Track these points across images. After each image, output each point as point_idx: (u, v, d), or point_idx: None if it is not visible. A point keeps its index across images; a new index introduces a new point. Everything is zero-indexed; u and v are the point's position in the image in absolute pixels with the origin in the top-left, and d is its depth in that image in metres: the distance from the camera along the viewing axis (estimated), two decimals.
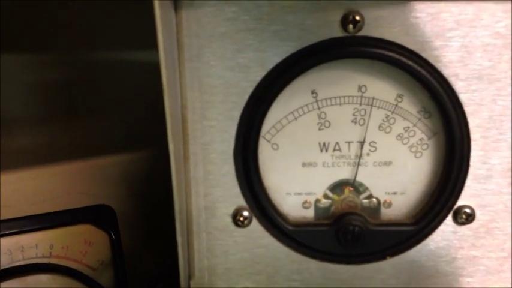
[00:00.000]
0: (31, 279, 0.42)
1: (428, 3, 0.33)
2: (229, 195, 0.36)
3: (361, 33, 0.33)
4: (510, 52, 0.33)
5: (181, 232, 0.35)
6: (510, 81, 0.34)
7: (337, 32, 0.33)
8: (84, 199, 0.47)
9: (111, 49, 0.56)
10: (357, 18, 0.33)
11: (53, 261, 0.43)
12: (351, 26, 0.33)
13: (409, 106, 0.35)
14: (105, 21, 0.54)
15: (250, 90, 0.34)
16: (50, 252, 0.43)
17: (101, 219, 0.44)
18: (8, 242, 0.41)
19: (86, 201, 0.45)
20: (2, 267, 0.41)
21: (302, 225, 0.37)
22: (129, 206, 0.51)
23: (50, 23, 0.51)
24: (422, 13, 0.33)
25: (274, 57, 0.34)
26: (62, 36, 0.52)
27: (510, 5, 0.32)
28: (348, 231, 0.36)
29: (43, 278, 0.43)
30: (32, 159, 0.51)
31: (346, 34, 0.33)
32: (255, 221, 0.37)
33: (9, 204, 0.47)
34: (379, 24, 0.33)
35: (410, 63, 0.33)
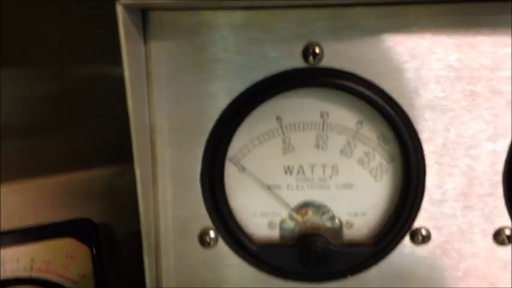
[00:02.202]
0: None
1: (385, 37, 0.34)
2: (196, 216, 0.38)
3: (322, 64, 0.35)
4: (462, 84, 0.35)
5: (148, 253, 0.36)
6: (462, 111, 0.36)
7: (299, 63, 0.35)
8: (68, 213, 0.47)
9: (97, 63, 0.56)
10: (317, 50, 0.34)
11: (34, 274, 0.43)
12: (311, 57, 0.35)
13: (369, 132, 0.37)
14: (90, 37, 0.55)
15: (216, 116, 0.36)
16: (32, 266, 0.43)
17: (82, 233, 0.45)
18: None
19: (69, 215, 0.46)
20: None
21: (267, 246, 0.39)
22: (113, 219, 0.52)
23: (35, 39, 0.52)
24: (379, 46, 0.35)
25: (239, 85, 0.36)
26: (47, 51, 0.53)
27: (462, 39, 0.34)
28: (310, 252, 0.38)
29: None
30: (16, 173, 0.51)
31: (307, 65, 0.35)
32: (221, 242, 0.39)
33: None
34: (338, 56, 0.35)
35: (367, 93, 0.35)
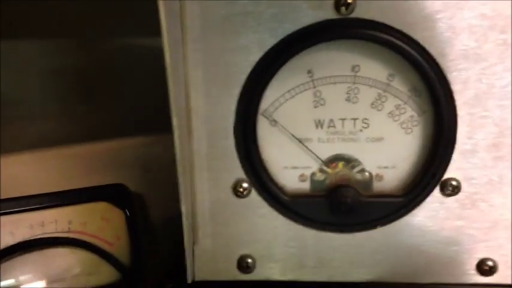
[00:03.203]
0: (51, 252, 0.45)
1: None
2: (230, 167, 0.39)
3: (353, 15, 0.35)
4: (495, 33, 0.35)
5: (185, 202, 0.38)
6: (495, 61, 0.35)
7: (330, 14, 0.35)
8: (100, 180, 0.49)
9: (126, 35, 0.58)
10: (349, 0, 0.34)
11: (72, 236, 0.46)
12: (343, 8, 0.35)
13: (400, 85, 0.37)
14: (121, 7, 0.55)
15: (249, 69, 0.37)
16: (69, 228, 0.46)
17: (116, 197, 0.47)
18: (29, 217, 0.45)
19: (102, 182, 0.48)
20: (23, 240, 0.44)
21: (298, 197, 0.40)
22: (144, 188, 0.54)
23: (65, 11, 0.54)
24: None
25: (271, 38, 0.36)
26: (78, 23, 0.54)
27: None
28: (341, 203, 0.39)
29: (62, 251, 0.46)
30: (52, 141, 0.53)
31: (339, 16, 0.35)
32: (254, 192, 0.40)
33: (31, 183, 0.49)
34: (370, 6, 0.35)
35: (400, 43, 0.35)
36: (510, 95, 0.36)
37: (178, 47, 0.36)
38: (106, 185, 0.48)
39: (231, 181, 0.39)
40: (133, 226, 0.47)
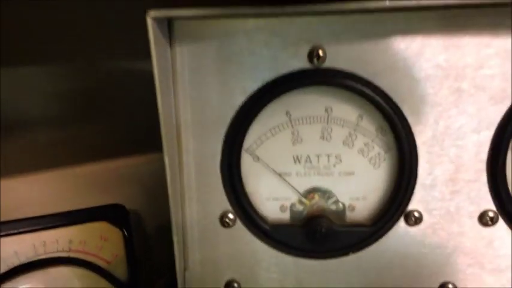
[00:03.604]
0: (53, 271, 0.48)
1: (380, 40, 0.39)
2: (217, 200, 0.43)
3: (325, 64, 0.40)
4: (449, 81, 0.39)
5: (176, 231, 0.41)
6: (449, 106, 0.40)
7: (305, 64, 0.40)
8: (100, 199, 0.51)
9: (125, 59, 0.59)
10: (320, 53, 0.39)
11: (72, 254, 0.48)
12: (315, 59, 0.40)
13: (368, 125, 0.42)
14: (123, 31, 0.58)
15: (233, 112, 0.41)
16: (70, 247, 0.48)
17: (114, 217, 0.50)
18: (32, 237, 0.47)
19: (102, 201, 0.50)
20: (27, 261, 0.47)
21: (279, 226, 0.44)
22: (142, 205, 0.56)
23: (66, 35, 0.56)
24: (375, 49, 0.39)
25: (253, 84, 0.40)
26: (79, 46, 0.56)
27: (448, 41, 0.39)
28: (316, 232, 0.43)
29: (63, 270, 0.48)
30: (52, 162, 0.55)
31: (312, 66, 0.40)
32: (239, 222, 0.44)
33: (32, 203, 0.52)
34: (339, 58, 0.39)
35: (366, 90, 0.40)
36: (464, 136, 0.40)
37: (170, 91, 0.40)
38: (105, 205, 0.50)
39: (218, 212, 0.43)
40: (130, 244, 0.50)
